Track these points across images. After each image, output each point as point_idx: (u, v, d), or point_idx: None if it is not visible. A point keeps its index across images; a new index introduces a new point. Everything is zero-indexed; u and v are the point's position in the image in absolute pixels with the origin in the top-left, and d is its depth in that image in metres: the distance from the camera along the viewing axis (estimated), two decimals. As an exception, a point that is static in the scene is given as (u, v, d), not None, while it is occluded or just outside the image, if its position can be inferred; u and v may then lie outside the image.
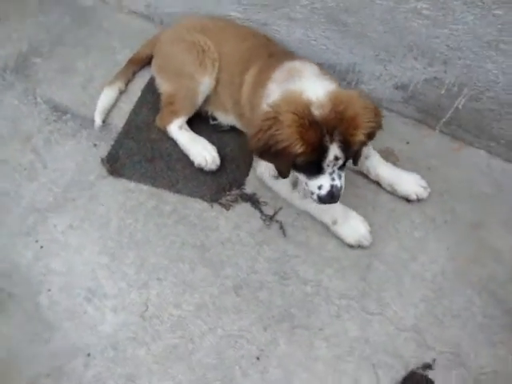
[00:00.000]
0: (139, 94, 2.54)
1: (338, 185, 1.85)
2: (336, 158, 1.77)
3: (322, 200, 1.88)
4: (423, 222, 2.18)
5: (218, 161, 2.26)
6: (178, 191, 2.24)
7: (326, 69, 2.23)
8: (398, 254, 2.10)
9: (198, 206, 2.22)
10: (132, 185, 2.26)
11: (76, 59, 2.68)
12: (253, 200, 2.22)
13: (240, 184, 2.26)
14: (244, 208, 2.21)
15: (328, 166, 1.80)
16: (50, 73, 2.61)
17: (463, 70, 2.13)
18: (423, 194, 2.19)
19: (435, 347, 1.91)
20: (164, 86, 2.36)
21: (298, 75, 1.92)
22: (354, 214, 2.09)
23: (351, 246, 2.09)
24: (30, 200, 2.23)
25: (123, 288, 2.03)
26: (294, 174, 1.96)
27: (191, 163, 2.29)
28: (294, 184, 2.15)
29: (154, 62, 2.45)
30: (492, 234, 2.16)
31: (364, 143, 1.84)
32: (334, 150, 1.74)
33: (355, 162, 1.97)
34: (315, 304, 1.99)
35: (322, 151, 1.75)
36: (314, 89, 1.79)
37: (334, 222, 2.08)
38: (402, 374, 1.86)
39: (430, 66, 2.20)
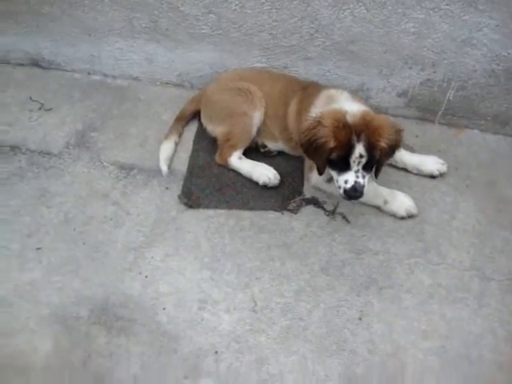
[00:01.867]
0: (192, 142, 2.91)
1: (361, 182, 2.28)
2: (360, 156, 2.23)
3: (347, 193, 2.29)
4: (450, 189, 2.68)
5: (278, 176, 2.65)
6: (251, 208, 2.59)
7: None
8: (440, 217, 2.57)
9: (271, 215, 2.57)
10: (210, 211, 2.58)
11: (127, 127, 3.01)
12: (314, 201, 2.62)
13: (300, 192, 2.66)
14: (309, 209, 2.61)
15: (354, 162, 2.25)
16: (107, 141, 2.92)
17: (448, 67, 2.76)
18: (443, 168, 2.70)
19: (494, 278, 2.33)
20: (219, 129, 2.76)
21: (336, 100, 2.43)
22: (398, 192, 2.54)
23: (403, 218, 2.52)
24: (123, 242, 2.46)
25: (229, 292, 2.29)
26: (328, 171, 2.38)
27: (256, 184, 2.67)
28: (329, 180, 2.54)
29: (203, 113, 2.86)
30: (503, 187, 2.72)
31: (385, 153, 2.28)
32: (360, 149, 2.22)
33: (376, 174, 2.41)
34: (390, 267, 2.38)
35: (350, 148, 2.22)
36: (350, 106, 2.33)
37: (385, 202, 2.52)
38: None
39: (422, 70, 2.81)
